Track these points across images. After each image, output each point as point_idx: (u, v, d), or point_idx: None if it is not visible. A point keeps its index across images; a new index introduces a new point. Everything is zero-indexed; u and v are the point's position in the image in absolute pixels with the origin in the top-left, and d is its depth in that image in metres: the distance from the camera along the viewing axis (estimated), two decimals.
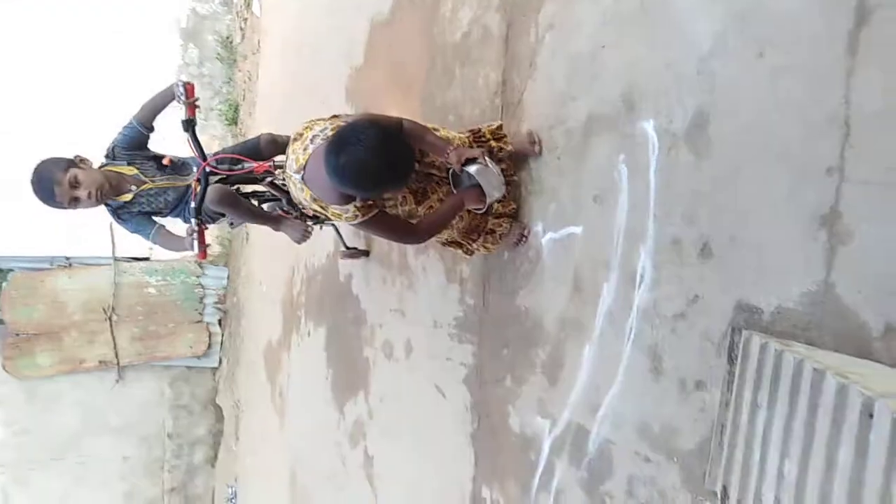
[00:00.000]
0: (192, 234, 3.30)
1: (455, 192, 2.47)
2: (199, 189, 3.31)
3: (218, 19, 7.56)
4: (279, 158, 3.48)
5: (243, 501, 7.03)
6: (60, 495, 7.47)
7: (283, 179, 3.51)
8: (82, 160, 3.13)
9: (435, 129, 2.47)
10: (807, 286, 1.61)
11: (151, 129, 3.37)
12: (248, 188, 3.68)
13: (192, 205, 3.30)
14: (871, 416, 1.30)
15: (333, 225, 3.97)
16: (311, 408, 5.02)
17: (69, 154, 3.12)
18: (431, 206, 2.49)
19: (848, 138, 1.51)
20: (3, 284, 7.16)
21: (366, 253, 4.10)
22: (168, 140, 3.83)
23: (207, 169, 3.29)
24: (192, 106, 3.23)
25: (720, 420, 1.78)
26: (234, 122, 7.48)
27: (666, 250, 2.00)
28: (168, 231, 3.44)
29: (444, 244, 2.71)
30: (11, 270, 7.22)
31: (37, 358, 7.28)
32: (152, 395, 7.81)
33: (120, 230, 3.55)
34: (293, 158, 2.22)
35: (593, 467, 2.28)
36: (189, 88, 3.19)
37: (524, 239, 2.64)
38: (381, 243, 3.95)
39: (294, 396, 5.52)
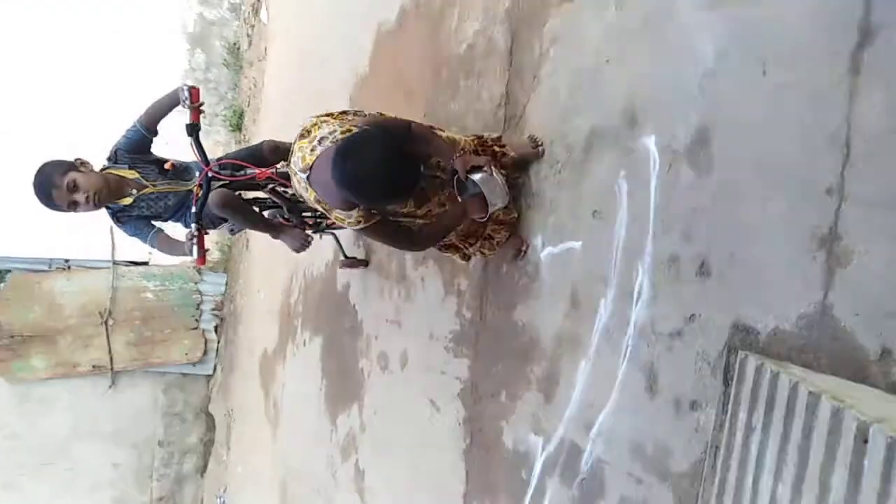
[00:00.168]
0: (191, 239, 3.29)
1: (459, 197, 2.47)
2: (200, 194, 3.31)
3: (225, 25, 7.59)
4: (281, 165, 3.48)
5: None
6: (47, 501, 7.39)
7: (286, 189, 3.51)
8: (83, 163, 3.12)
9: (441, 131, 2.48)
10: (804, 307, 1.59)
11: (155, 132, 3.36)
12: (250, 194, 3.68)
13: (194, 209, 3.30)
14: (865, 441, 1.27)
15: (333, 234, 3.96)
16: (304, 419, 4.97)
17: (71, 157, 3.12)
18: (431, 210, 2.48)
19: (848, 158, 1.50)
20: (0, 285, 7.14)
21: (365, 263, 4.08)
22: (171, 144, 3.83)
23: (210, 174, 3.28)
24: (196, 111, 3.23)
25: (714, 441, 1.75)
26: (238, 128, 7.49)
27: (664, 267, 1.98)
28: (167, 235, 3.43)
29: (441, 248, 2.69)
30: (9, 271, 7.20)
31: (31, 361, 7.23)
32: (146, 402, 7.75)
33: (120, 233, 3.55)
34: (299, 156, 2.20)
35: (585, 487, 2.25)
36: (194, 93, 3.19)
37: (522, 254, 2.62)
38: (380, 253, 3.93)
39: (287, 407, 5.47)
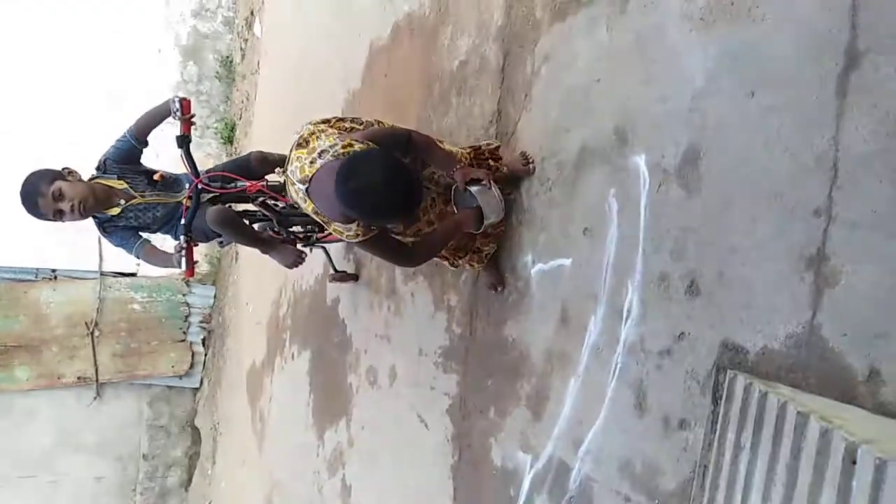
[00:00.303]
0: (180, 251, 3.27)
1: (455, 210, 2.49)
2: (190, 206, 3.29)
3: (219, 38, 7.61)
4: (272, 178, 3.48)
5: None
6: None
7: (276, 203, 3.51)
8: (70, 172, 3.11)
9: (440, 142, 2.49)
10: (792, 327, 1.60)
11: (145, 143, 3.36)
12: (239, 207, 3.67)
13: (183, 221, 3.29)
14: (853, 462, 1.27)
15: (323, 247, 3.95)
16: (291, 433, 4.93)
17: (59, 166, 3.10)
18: (421, 229, 2.48)
19: (836, 180, 1.51)
20: None
21: (355, 277, 4.07)
22: (162, 156, 3.82)
23: (199, 186, 3.27)
24: (187, 122, 3.23)
25: (702, 461, 1.75)
26: (230, 140, 7.49)
27: (654, 286, 1.99)
28: (153, 246, 3.41)
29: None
30: None
31: (14, 371, 7.15)
32: (130, 414, 7.66)
33: (108, 244, 3.52)
34: (297, 166, 2.20)
35: None
36: (185, 105, 3.19)
37: (500, 290, 2.67)
38: (370, 268, 3.93)
39: (274, 420, 5.43)
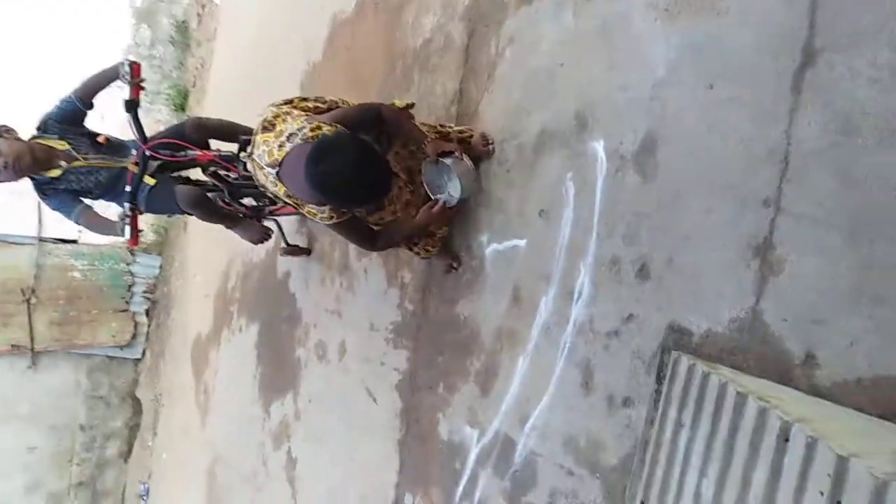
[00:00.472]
0: (124, 219, 3.18)
1: (424, 182, 2.53)
2: (136, 173, 3.20)
3: (175, 2, 7.36)
4: (225, 148, 3.41)
5: (156, 499, 6.76)
6: None
7: (228, 173, 3.44)
8: (7, 130, 2.99)
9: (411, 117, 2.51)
10: (736, 312, 1.66)
11: (90, 106, 3.24)
12: (187, 173, 3.59)
13: (129, 189, 3.19)
14: (787, 440, 1.34)
15: (275, 220, 3.89)
16: (236, 406, 4.88)
17: None
18: (383, 217, 2.48)
19: (786, 173, 1.58)
20: None
21: (307, 251, 4.03)
22: (108, 120, 3.69)
23: (147, 153, 3.18)
24: (137, 86, 3.13)
25: (644, 437, 1.81)
26: (182, 108, 7.27)
27: (605, 268, 2.04)
28: (95, 213, 3.29)
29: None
30: None
31: None
32: (67, 384, 7.43)
33: (48, 209, 3.39)
34: (265, 150, 2.20)
35: (517, 479, 2.29)
36: (135, 68, 3.09)
37: (453, 269, 2.68)
38: (322, 242, 3.90)
39: (219, 393, 5.35)
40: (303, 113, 2.28)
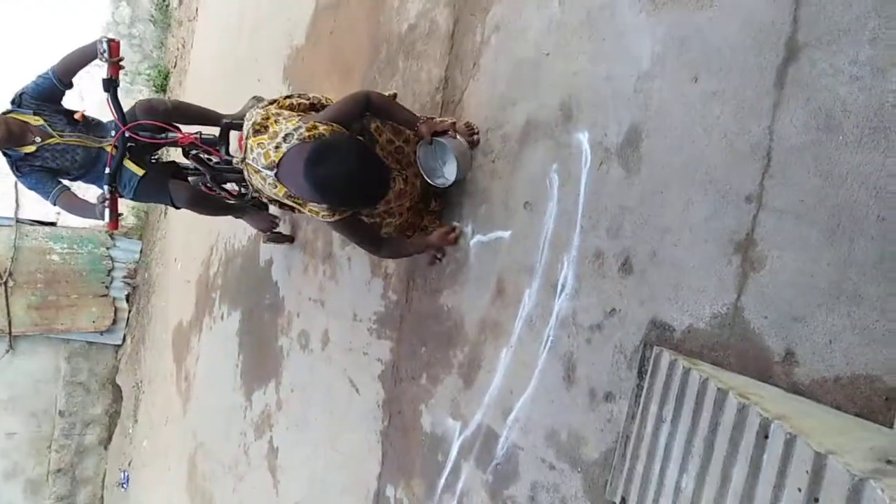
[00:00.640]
0: (103, 202, 3.13)
1: (418, 165, 2.54)
2: (115, 154, 3.15)
3: None
4: (205, 131, 3.36)
5: (136, 486, 6.73)
6: None
7: (209, 157, 3.39)
8: None
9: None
10: (718, 308, 1.67)
11: (68, 84, 3.18)
12: (167, 155, 3.54)
13: (108, 171, 3.14)
14: (766, 437, 1.35)
15: (259, 207, 3.86)
16: (217, 394, 4.85)
17: None
18: (387, 202, 2.47)
19: (769, 168, 1.57)
20: None
21: (290, 239, 4.00)
22: (87, 100, 3.62)
23: (127, 134, 3.13)
24: (115, 65, 3.07)
25: (625, 432, 1.82)
26: (162, 89, 7.15)
27: (589, 262, 2.03)
28: (73, 194, 3.24)
29: None
30: None
31: None
32: (46, 370, 7.35)
33: (25, 190, 3.33)
34: (261, 153, 2.20)
35: (499, 471, 2.29)
36: (114, 46, 3.03)
37: (438, 260, 2.68)
38: (306, 230, 3.86)
39: (201, 381, 5.32)
40: (293, 112, 2.30)
